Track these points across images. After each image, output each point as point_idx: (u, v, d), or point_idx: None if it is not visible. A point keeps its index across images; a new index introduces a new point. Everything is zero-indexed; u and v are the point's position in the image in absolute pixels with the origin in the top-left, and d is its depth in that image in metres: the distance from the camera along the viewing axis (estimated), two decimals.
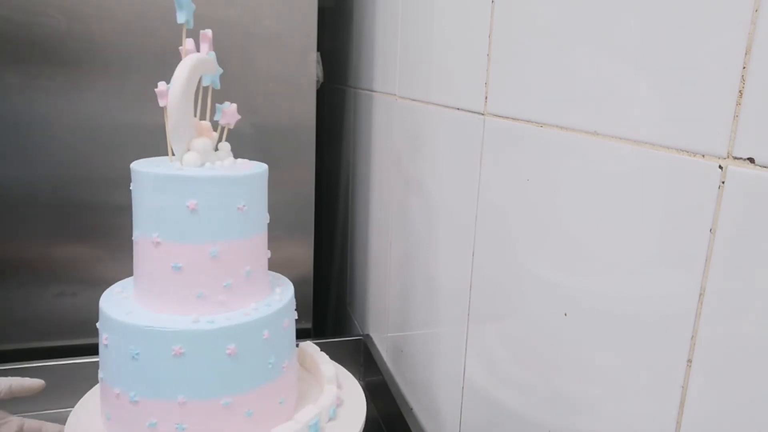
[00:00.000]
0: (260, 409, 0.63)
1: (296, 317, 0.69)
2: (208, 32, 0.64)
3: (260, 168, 0.64)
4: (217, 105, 0.65)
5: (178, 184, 0.59)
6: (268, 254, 0.68)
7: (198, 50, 0.64)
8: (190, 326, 0.58)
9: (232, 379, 0.60)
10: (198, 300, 0.61)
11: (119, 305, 0.62)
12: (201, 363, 0.59)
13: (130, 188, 0.62)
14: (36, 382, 0.68)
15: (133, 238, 0.63)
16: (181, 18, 0.61)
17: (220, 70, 0.66)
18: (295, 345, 0.70)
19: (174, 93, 0.59)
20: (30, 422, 0.67)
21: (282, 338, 0.65)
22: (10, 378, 0.66)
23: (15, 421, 0.66)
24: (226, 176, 0.60)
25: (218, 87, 0.65)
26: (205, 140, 0.63)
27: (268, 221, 0.67)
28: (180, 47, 0.62)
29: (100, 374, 0.62)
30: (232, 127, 0.66)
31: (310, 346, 0.80)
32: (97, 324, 0.62)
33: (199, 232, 0.60)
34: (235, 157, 0.66)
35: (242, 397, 0.61)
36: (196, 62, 0.60)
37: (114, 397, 0.60)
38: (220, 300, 0.61)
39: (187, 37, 0.62)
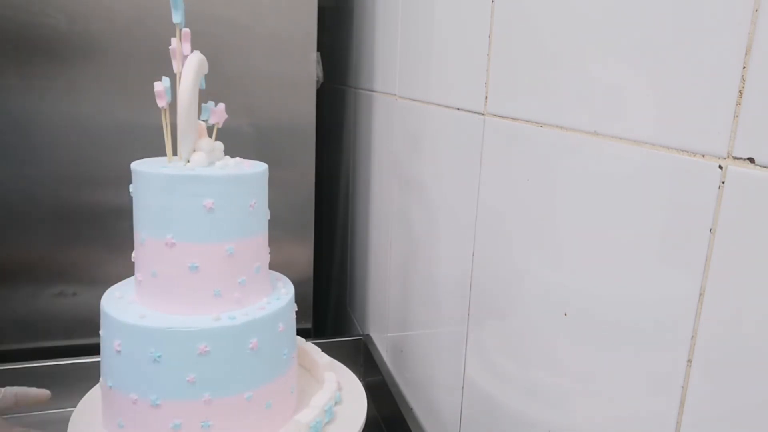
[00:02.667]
0: (277, 399, 0.65)
1: (296, 308, 0.71)
2: (188, 31, 0.64)
3: (263, 166, 0.66)
4: (203, 105, 0.65)
5: (195, 185, 0.59)
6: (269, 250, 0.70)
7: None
8: (213, 324, 0.59)
9: (255, 373, 0.62)
10: (215, 298, 0.62)
11: (128, 310, 0.61)
12: (226, 359, 0.60)
13: (130, 189, 0.62)
14: (42, 393, 0.67)
15: (138, 240, 0.62)
16: (177, 18, 0.61)
17: (205, 70, 0.66)
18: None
19: (184, 94, 0.59)
20: (15, 389, 0.65)
21: (292, 330, 0.68)
22: (16, 388, 0.65)
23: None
24: (240, 175, 0.62)
25: (203, 87, 0.65)
26: (210, 140, 0.63)
27: (269, 218, 0.68)
28: (170, 47, 0.62)
29: (108, 383, 0.61)
30: (221, 126, 0.67)
31: (303, 342, 0.81)
32: (102, 331, 0.62)
33: (216, 231, 0.61)
34: (233, 156, 0.66)
35: (263, 389, 0.63)
36: (199, 62, 0.61)
37: (130, 403, 0.59)
38: (235, 297, 0.63)
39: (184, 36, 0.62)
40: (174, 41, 0.62)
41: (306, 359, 0.79)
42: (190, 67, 0.60)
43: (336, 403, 0.70)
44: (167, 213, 0.60)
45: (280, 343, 0.65)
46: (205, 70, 0.63)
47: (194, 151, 0.62)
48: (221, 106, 0.66)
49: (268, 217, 0.68)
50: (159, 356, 0.58)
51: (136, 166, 0.61)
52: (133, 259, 0.64)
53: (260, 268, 0.65)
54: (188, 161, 0.62)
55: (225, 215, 0.61)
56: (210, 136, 0.66)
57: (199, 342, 0.58)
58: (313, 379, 0.77)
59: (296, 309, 0.71)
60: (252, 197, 0.63)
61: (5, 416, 0.65)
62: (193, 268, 0.60)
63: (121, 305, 0.62)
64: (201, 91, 0.64)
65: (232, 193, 0.61)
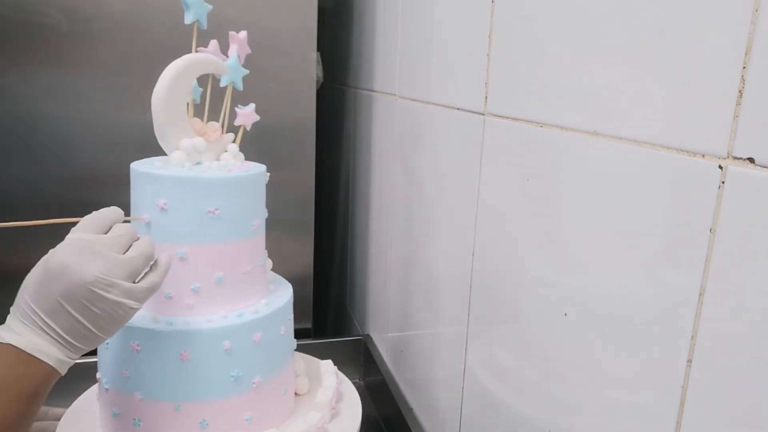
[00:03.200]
0: (218, 422, 0.60)
1: (283, 333, 0.66)
2: (242, 34, 0.64)
3: (247, 172, 0.62)
4: (238, 106, 0.66)
5: (149, 182, 0.59)
6: (263, 261, 0.67)
7: (224, 52, 0.65)
8: (149, 324, 0.59)
9: (185, 385, 0.59)
10: (166, 300, 0.60)
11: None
12: (155, 363, 0.59)
13: None
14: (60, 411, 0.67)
15: None
16: (188, 18, 0.61)
17: (245, 72, 0.66)
18: (284, 361, 0.67)
19: (158, 92, 0.59)
20: None
21: (252, 352, 0.62)
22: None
23: None
24: (195, 178, 0.59)
25: (240, 88, 0.66)
26: (198, 140, 0.62)
27: (258, 227, 0.65)
28: (200, 48, 0.62)
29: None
30: (248, 128, 0.67)
31: (327, 365, 0.77)
32: None
33: (167, 232, 0.59)
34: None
35: (195, 405, 0.59)
36: (188, 62, 0.60)
37: (96, 380, 0.63)
38: (186, 303, 0.60)
39: (200, 38, 0.63)
40: (212, 44, 0.63)
41: (313, 372, 0.76)
42: (170, 66, 0.59)
43: None
44: (135, 207, 0.61)
45: (224, 362, 0.60)
46: (219, 72, 0.64)
47: (176, 149, 0.62)
48: (250, 107, 0.66)
49: (257, 227, 0.64)
50: (107, 344, 0.60)
51: (134, 163, 0.62)
52: None
53: (224, 279, 0.61)
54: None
55: (177, 217, 0.59)
56: (235, 137, 0.67)
57: (132, 339, 0.58)
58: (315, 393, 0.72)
59: (282, 333, 0.65)
60: (212, 203, 0.59)
61: None
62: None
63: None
64: (236, 91, 0.65)
65: (182, 196, 0.58)
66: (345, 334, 1.22)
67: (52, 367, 0.48)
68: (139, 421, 0.59)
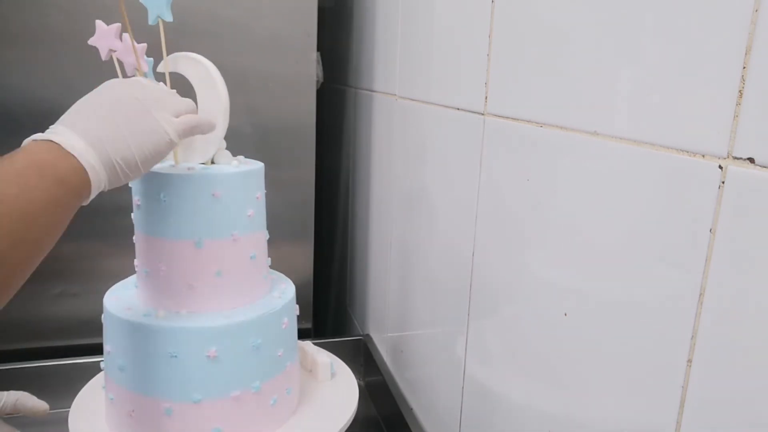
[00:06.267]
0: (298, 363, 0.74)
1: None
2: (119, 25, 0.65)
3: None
4: None
5: (252, 179, 0.64)
6: None
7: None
8: (281, 302, 0.65)
9: (295, 350, 0.70)
10: (264, 281, 0.67)
11: (192, 318, 0.60)
12: (293, 330, 0.68)
13: (161, 197, 0.60)
14: (40, 405, 0.64)
15: (184, 247, 0.61)
16: (168, 17, 0.62)
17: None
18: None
19: (225, 97, 0.61)
20: (16, 396, 0.63)
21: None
22: (18, 393, 0.63)
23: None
24: (262, 167, 0.67)
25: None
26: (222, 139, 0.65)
27: None
28: (121, 45, 0.63)
29: (195, 397, 0.59)
30: None
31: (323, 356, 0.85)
32: (174, 349, 0.60)
33: (264, 219, 0.67)
34: (233, 155, 0.67)
35: (296, 358, 0.72)
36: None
37: (231, 401, 0.60)
38: (272, 278, 0.69)
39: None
40: (126, 37, 0.63)
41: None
42: (216, 70, 0.62)
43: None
44: (233, 209, 0.62)
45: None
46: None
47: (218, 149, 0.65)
48: None
49: None
50: (258, 343, 0.61)
51: (172, 170, 0.60)
52: (162, 268, 0.62)
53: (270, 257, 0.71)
54: (211, 161, 0.64)
55: (265, 205, 0.67)
56: None
57: (283, 317, 0.64)
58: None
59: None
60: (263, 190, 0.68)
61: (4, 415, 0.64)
62: (253, 258, 0.64)
63: (182, 319, 0.61)
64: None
65: (264, 185, 0.66)
66: (345, 334, 1.22)
67: (86, 175, 0.48)
68: (289, 388, 0.67)
